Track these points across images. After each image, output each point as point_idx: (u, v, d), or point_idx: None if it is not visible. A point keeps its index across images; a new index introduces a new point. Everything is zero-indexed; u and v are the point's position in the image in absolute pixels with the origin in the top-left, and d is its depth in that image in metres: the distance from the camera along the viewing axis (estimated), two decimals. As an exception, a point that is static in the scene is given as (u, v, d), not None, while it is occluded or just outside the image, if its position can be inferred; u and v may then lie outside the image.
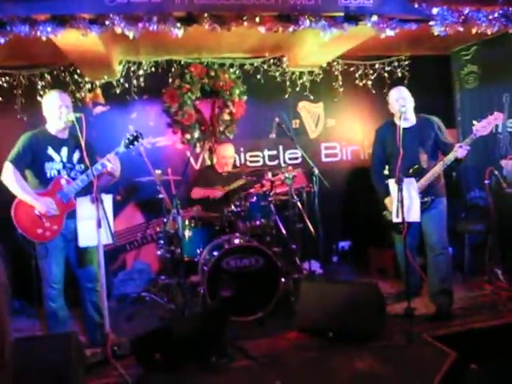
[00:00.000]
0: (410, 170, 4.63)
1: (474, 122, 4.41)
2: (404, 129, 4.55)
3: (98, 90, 6.31)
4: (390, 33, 4.52)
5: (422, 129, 4.78)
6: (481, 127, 4.37)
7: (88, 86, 6.29)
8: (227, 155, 6.07)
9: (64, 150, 4.25)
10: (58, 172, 4.21)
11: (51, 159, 4.19)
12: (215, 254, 4.92)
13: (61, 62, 6.08)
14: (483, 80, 6.74)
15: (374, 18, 4.42)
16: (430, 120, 4.83)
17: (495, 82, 6.41)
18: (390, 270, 6.07)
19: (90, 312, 4.43)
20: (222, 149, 6.13)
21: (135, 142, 4.28)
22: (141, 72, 6.40)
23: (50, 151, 4.19)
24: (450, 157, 4.51)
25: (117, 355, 3.90)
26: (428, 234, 4.80)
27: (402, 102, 4.69)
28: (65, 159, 4.25)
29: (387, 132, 4.90)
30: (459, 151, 4.44)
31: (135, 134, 4.29)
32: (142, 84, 6.43)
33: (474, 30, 4.69)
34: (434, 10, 4.45)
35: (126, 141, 4.26)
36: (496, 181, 5.57)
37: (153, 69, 6.45)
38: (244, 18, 4.20)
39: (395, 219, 4.39)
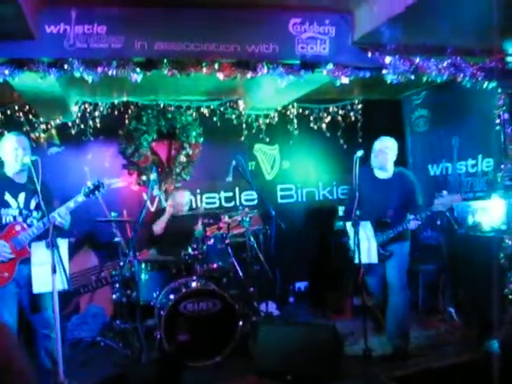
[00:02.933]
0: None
1: (435, 201, 4.54)
2: (379, 179, 4.68)
3: (53, 131, 6.25)
4: (344, 80, 4.65)
5: (395, 183, 4.83)
6: (440, 204, 4.50)
7: (43, 126, 6.23)
8: (183, 202, 6.04)
9: (21, 196, 4.14)
10: (14, 218, 4.08)
11: (8, 205, 4.05)
12: (172, 297, 4.87)
13: (15, 102, 6.00)
14: (433, 123, 6.98)
15: (330, 66, 4.55)
16: (407, 177, 4.91)
17: (444, 126, 6.64)
18: (347, 310, 6.12)
19: (43, 359, 4.26)
20: (178, 195, 6.10)
21: (96, 192, 4.19)
22: (97, 113, 6.38)
23: (7, 197, 4.05)
24: (403, 226, 4.63)
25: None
26: (389, 275, 4.85)
27: (381, 155, 4.78)
28: (22, 205, 4.12)
29: (364, 176, 4.88)
30: (411, 223, 4.57)
31: (96, 184, 4.17)
32: (98, 125, 6.41)
33: (424, 79, 4.87)
34: (387, 59, 4.62)
35: (86, 189, 4.14)
36: (447, 222, 5.73)
37: (109, 110, 6.45)
38: (203, 65, 4.27)
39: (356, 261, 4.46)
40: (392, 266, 4.81)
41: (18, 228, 4.03)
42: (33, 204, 4.18)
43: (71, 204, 4.09)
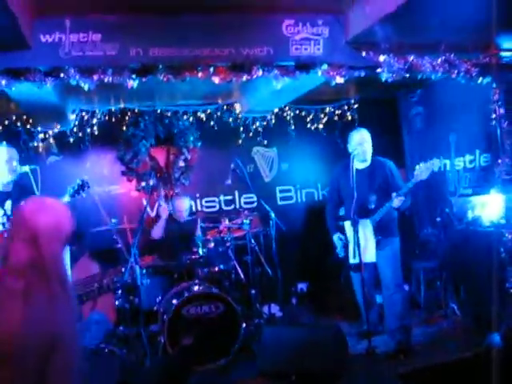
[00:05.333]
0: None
1: (415, 167, 4.56)
2: (358, 170, 4.68)
3: (51, 140, 6.26)
4: (339, 80, 4.67)
5: (373, 170, 4.91)
6: (419, 172, 4.51)
7: (41, 135, 6.24)
8: (183, 209, 6.09)
9: (8, 204, 4.15)
10: (3, 225, 4.10)
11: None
12: (175, 302, 4.89)
13: (13, 112, 6.02)
14: (429, 120, 6.99)
15: (325, 66, 4.57)
16: (383, 163, 4.98)
17: (441, 122, 6.64)
18: (350, 309, 6.11)
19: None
20: (178, 203, 6.15)
21: (81, 191, 4.19)
22: (94, 121, 6.39)
23: None
24: (387, 205, 4.65)
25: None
26: (382, 273, 4.90)
27: (362, 145, 4.83)
28: (9, 212, 4.15)
29: (341, 174, 5.01)
30: (394, 201, 4.58)
31: (81, 183, 4.19)
32: (96, 132, 6.42)
33: (419, 76, 4.89)
34: (381, 58, 4.64)
35: (71, 190, 4.17)
36: (447, 218, 5.75)
37: (106, 117, 6.46)
38: (198, 69, 4.29)
39: (352, 260, 4.48)
40: (384, 263, 4.85)
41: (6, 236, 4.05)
42: None
43: None
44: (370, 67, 4.74)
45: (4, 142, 4.33)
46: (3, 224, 4.11)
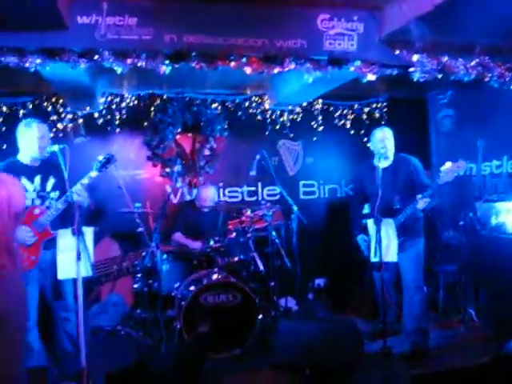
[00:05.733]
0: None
1: (441, 169, 4.50)
2: (382, 168, 4.65)
3: (80, 121, 6.32)
4: (371, 77, 4.65)
5: (397, 168, 4.87)
6: (445, 173, 4.44)
7: (70, 116, 6.29)
8: (208, 198, 6.09)
9: (37, 179, 4.21)
10: (32, 201, 4.16)
11: (24, 189, 4.13)
12: (193, 288, 4.92)
13: (44, 92, 6.08)
14: (458, 123, 6.92)
15: (357, 63, 4.55)
16: (408, 160, 4.93)
17: (470, 126, 6.57)
18: (366, 308, 6.10)
19: (65, 343, 4.35)
20: (205, 192, 6.14)
21: (107, 165, 4.22)
22: (123, 104, 6.43)
23: (24, 181, 4.13)
24: (411, 206, 4.61)
25: (92, 390, 3.83)
26: (404, 273, 4.87)
27: (384, 143, 4.80)
28: (38, 187, 4.21)
29: (366, 172, 4.99)
30: (419, 203, 4.54)
31: (107, 157, 4.22)
32: (124, 116, 6.45)
33: (451, 77, 4.84)
34: (414, 57, 4.60)
35: (98, 164, 4.18)
36: (470, 222, 5.70)
37: (135, 102, 6.48)
38: (231, 58, 4.30)
39: (373, 259, 4.47)
40: (407, 264, 4.82)
41: (37, 211, 4.12)
42: (49, 186, 4.26)
43: (85, 180, 4.15)
44: (403, 66, 4.70)
45: (35, 119, 4.36)
46: (32, 200, 4.16)
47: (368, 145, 6.88)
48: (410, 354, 4.68)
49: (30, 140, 4.17)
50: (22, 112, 6.11)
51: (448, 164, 4.43)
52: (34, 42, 3.99)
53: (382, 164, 4.79)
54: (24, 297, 2.42)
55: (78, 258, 3.78)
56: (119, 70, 4.22)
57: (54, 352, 4.56)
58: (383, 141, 4.82)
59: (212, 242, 5.42)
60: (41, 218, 4.09)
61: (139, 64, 4.17)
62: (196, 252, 5.55)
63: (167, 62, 4.21)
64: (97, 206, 4.66)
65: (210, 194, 6.10)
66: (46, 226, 4.11)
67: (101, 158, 4.22)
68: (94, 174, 4.16)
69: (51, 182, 4.26)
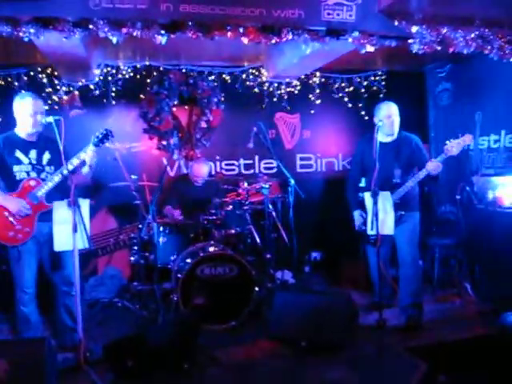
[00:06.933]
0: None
1: (447, 142, 4.48)
2: (383, 143, 4.61)
3: (76, 93, 6.26)
4: (370, 49, 4.61)
5: (399, 145, 4.85)
6: (451, 147, 4.43)
7: (65, 88, 6.23)
8: (200, 175, 6.07)
9: (33, 152, 4.16)
10: (27, 174, 4.13)
11: (19, 162, 4.10)
12: (189, 261, 4.92)
13: (38, 63, 6.02)
14: (457, 97, 6.89)
15: (356, 33, 4.50)
16: (410, 138, 4.91)
17: (468, 100, 6.55)
18: (362, 281, 6.12)
19: (63, 315, 4.36)
20: (197, 168, 6.11)
21: (105, 140, 4.16)
22: (119, 76, 6.37)
23: (18, 154, 4.10)
24: (423, 172, 4.59)
25: (89, 361, 3.85)
26: (400, 247, 4.89)
27: (391, 119, 4.76)
28: (34, 161, 4.16)
29: (366, 145, 4.95)
30: (429, 165, 4.50)
31: (105, 132, 4.15)
32: (120, 88, 6.40)
33: (450, 50, 4.79)
34: (414, 29, 4.55)
35: (95, 139, 4.12)
36: (467, 196, 5.70)
37: (131, 74, 6.42)
38: (228, 28, 4.24)
39: (369, 231, 4.46)
40: (403, 237, 4.82)
41: (32, 183, 4.09)
42: (45, 159, 4.21)
43: (82, 155, 4.11)
44: (402, 37, 4.65)
45: (30, 93, 4.29)
46: (27, 173, 4.13)
47: (366, 118, 6.96)
48: (404, 327, 4.72)
49: (25, 116, 4.10)
50: (16, 84, 6.05)
51: (453, 140, 4.42)
52: (27, 11, 3.91)
53: (385, 139, 4.76)
54: None
55: (75, 229, 3.76)
56: (114, 40, 4.15)
57: (53, 324, 4.58)
58: (390, 117, 4.77)
59: (209, 215, 5.41)
60: (35, 190, 4.07)
61: (134, 34, 4.10)
62: (192, 224, 5.53)
63: (163, 31, 4.14)
64: (93, 179, 4.62)
65: (201, 171, 6.07)
66: (41, 198, 4.08)
67: (98, 133, 4.16)
68: (90, 148, 4.12)
69: (47, 156, 4.22)
